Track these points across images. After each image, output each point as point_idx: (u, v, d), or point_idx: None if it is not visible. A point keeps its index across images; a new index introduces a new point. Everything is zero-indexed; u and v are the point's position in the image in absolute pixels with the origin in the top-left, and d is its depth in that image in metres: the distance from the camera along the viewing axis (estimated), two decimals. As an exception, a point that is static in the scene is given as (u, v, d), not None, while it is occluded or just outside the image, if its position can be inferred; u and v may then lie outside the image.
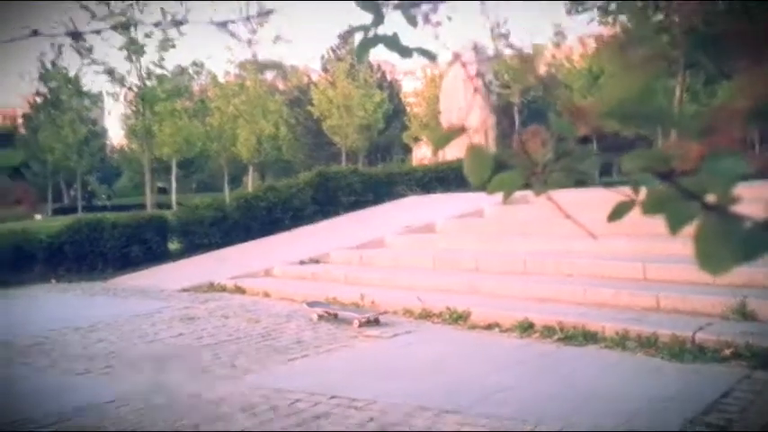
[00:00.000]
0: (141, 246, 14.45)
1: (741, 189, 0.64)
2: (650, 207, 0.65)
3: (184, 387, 5.40)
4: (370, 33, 0.90)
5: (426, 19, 0.87)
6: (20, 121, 46.92)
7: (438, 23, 0.87)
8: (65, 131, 38.38)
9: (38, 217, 31.50)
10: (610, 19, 20.77)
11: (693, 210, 0.61)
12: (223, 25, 1.07)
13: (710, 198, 0.61)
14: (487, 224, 11.38)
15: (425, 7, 0.87)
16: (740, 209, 0.63)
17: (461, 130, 0.79)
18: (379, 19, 0.89)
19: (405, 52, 0.91)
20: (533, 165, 0.75)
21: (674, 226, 0.63)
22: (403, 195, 16.48)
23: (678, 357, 5.26)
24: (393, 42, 0.90)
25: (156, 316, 8.58)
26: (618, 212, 0.72)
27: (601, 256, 8.27)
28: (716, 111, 0.64)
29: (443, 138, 0.82)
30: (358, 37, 0.94)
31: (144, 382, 5.61)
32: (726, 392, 4.48)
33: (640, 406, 4.37)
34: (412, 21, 0.87)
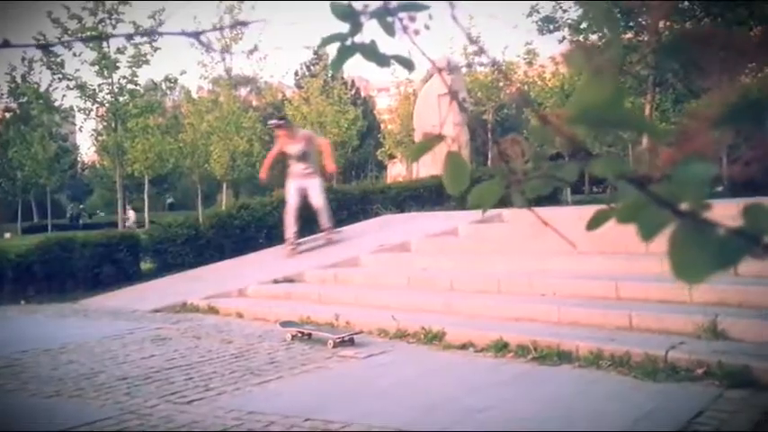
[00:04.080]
0: (113, 265, 14.21)
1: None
2: (624, 215, 0.64)
3: (156, 409, 5.30)
4: (347, 42, 0.89)
5: (404, 28, 0.86)
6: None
7: (417, 32, 0.86)
8: (35, 148, 37.88)
9: (6, 235, 30.94)
10: (581, 38, 21.13)
11: (666, 217, 0.60)
12: (196, 36, 1.05)
13: (683, 206, 0.60)
14: (462, 243, 11.40)
15: (403, 15, 0.86)
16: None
17: (439, 137, 0.78)
18: (356, 28, 0.88)
19: (382, 61, 0.90)
20: (512, 173, 0.74)
21: (646, 234, 0.62)
22: (377, 213, 16.44)
23: (651, 376, 5.28)
24: (370, 51, 0.89)
25: (127, 337, 8.43)
26: (596, 221, 0.72)
27: (574, 275, 8.31)
28: (686, 116, 0.64)
29: (420, 147, 0.81)
30: (334, 48, 0.93)
31: (115, 404, 5.50)
32: (700, 412, 4.49)
33: (615, 426, 4.37)
34: (390, 30, 0.86)
